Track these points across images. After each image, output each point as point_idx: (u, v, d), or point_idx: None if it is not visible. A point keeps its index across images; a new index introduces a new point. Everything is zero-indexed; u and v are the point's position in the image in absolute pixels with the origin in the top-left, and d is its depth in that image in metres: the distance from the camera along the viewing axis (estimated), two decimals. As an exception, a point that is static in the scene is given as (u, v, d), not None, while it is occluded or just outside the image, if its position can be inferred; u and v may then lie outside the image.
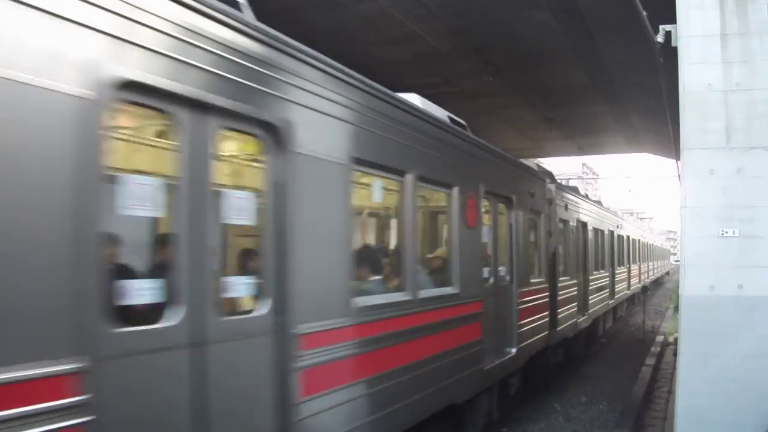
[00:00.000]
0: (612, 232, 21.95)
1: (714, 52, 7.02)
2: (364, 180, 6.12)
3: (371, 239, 7.53)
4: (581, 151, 27.35)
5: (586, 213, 17.35)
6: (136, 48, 3.45)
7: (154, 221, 4.05)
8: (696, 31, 7.09)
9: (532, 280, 10.87)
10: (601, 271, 19.24)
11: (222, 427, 3.95)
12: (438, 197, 7.93)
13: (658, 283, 47.09)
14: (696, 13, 7.11)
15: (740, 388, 6.68)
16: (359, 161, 5.55)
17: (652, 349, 17.49)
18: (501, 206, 9.76)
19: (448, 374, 7.19)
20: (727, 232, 6.87)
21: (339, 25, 11.59)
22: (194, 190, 3.88)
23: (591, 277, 17.31)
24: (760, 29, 6.95)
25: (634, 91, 15.65)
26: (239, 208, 4.31)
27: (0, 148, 2.83)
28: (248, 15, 4.52)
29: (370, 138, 5.82)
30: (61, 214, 3.04)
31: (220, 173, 4.23)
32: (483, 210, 8.64)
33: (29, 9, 2.93)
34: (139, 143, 4.27)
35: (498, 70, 14.63)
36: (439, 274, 7.67)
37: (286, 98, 4.66)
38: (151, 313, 3.66)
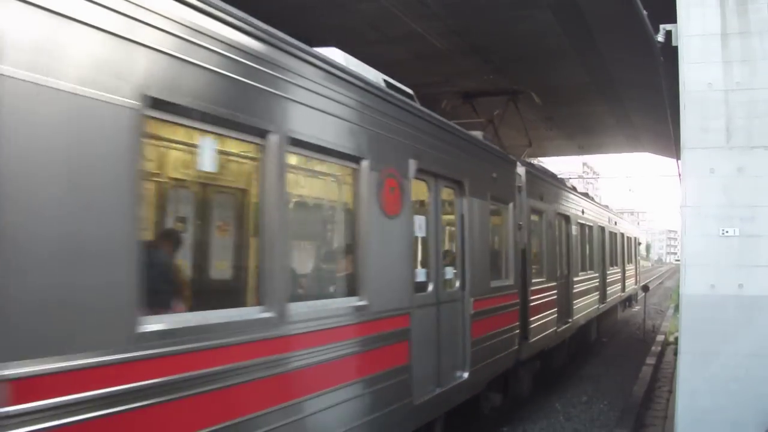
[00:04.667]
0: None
1: (714, 51, 7.03)
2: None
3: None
4: (581, 150, 27.35)
5: None
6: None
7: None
8: (696, 30, 7.10)
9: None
10: None
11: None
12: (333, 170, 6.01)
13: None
14: (696, 12, 7.11)
15: (741, 387, 6.69)
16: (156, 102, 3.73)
17: (653, 348, 17.48)
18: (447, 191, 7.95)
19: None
20: (727, 232, 6.87)
21: (340, 25, 11.59)
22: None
23: None
24: (760, 28, 6.95)
25: (635, 91, 15.64)
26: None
27: None
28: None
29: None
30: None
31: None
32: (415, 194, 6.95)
33: None
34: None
35: (498, 69, 14.64)
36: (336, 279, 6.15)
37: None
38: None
